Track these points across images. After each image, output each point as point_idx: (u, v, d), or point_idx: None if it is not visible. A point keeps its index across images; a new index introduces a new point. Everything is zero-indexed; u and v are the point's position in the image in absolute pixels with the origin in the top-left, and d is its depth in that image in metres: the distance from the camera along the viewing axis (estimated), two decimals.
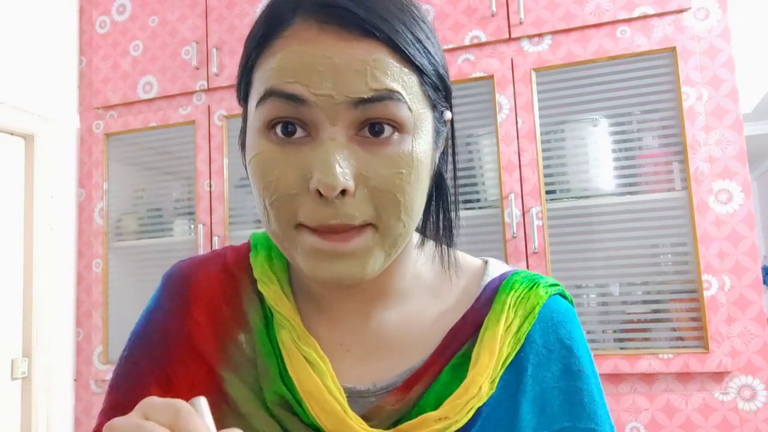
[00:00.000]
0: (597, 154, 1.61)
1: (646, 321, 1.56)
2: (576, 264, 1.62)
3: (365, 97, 0.41)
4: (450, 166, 0.53)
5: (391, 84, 0.41)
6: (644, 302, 1.58)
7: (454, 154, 0.53)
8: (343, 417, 0.46)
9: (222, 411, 0.50)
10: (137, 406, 0.36)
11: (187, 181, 2.07)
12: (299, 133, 0.42)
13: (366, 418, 0.48)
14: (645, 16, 1.57)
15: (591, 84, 1.63)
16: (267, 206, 0.44)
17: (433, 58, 0.45)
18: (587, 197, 1.60)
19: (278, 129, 0.43)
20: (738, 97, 1.50)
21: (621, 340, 1.57)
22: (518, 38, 1.68)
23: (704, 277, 1.44)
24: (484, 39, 1.70)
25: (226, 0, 1.99)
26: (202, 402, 0.37)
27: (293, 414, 0.48)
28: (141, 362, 0.54)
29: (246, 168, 0.47)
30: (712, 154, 1.50)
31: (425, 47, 0.44)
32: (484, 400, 0.47)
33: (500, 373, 0.48)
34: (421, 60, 0.43)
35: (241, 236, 1.88)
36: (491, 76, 1.66)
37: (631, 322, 1.57)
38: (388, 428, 0.47)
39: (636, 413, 1.48)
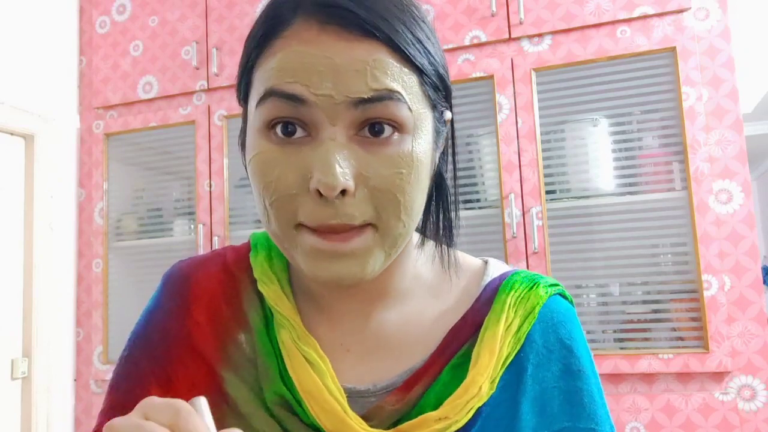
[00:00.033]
0: (597, 154, 1.61)
1: (646, 321, 1.56)
2: (576, 264, 1.62)
3: (365, 97, 0.41)
4: (450, 166, 0.53)
5: (391, 84, 0.41)
6: (644, 302, 1.58)
7: (454, 154, 0.53)
8: (343, 417, 0.46)
9: (222, 411, 0.50)
10: (137, 406, 0.36)
11: (187, 181, 2.07)
12: (299, 133, 0.42)
13: (366, 418, 0.48)
14: (645, 16, 1.57)
15: (591, 84, 1.63)
16: (267, 206, 0.44)
17: (433, 58, 0.45)
18: (587, 197, 1.60)
19: (278, 129, 0.43)
20: (738, 97, 1.50)
21: (621, 340, 1.57)
22: (518, 38, 1.68)
23: (704, 277, 1.44)
24: (484, 39, 1.70)
25: (226, 0, 1.99)
26: (202, 402, 0.37)
27: (293, 414, 0.48)
28: (141, 362, 0.54)
29: (246, 168, 0.47)
30: (712, 154, 1.50)
31: (425, 47, 0.44)
32: (484, 400, 0.47)
33: (500, 373, 0.48)
34: (422, 60, 0.43)
35: (241, 236, 1.88)
36: (491, 76, 1.66)
37: (631, 322, 1.57)
38: (388, 428, 0.47)
39: (636, 413, 1.48)
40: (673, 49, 1.52)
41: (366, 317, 0.52)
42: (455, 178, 0.53)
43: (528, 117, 1.61)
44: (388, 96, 0.41)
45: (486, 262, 0.56)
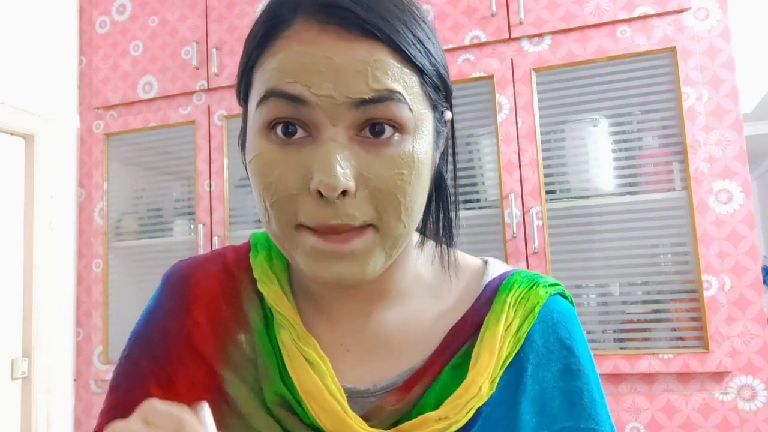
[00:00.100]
0: (597, 154, 1.61)
1: (646, 321, 1.56)
2: (576, 264, 1.62)
3: (366, 97, 0.41)
4: (450, 166, 0.53)
5: (392, 84, 0.41)
6: (644, 302, 1.58)
7: (454, 154, 0.53)
8: (343, 417, 0.46)
9: (222, 411, 0.50)
10: (138, 410, 0.35)
11: (187, 181, 2.07)
12: (300, 133, 0.42)
13: (366, 418, 0.48)
14: (645, 16, 1.57)
15: (591, 84, 1.63)
16: (267, 207, 0.44)
17: (434, 58, 0.45)
18: (587, 197, 1.60)
19: (279, 129, 0.43)
20: (738, 97, 1.50)
21: (621, 340, 1.57)
22: (518, 38, 1.68)
23: (704, 277, 1.44)
24: (484, 39, 1.70)
25: (226, 0, 1.99)
26: (205, 409, 0.36)
27: (293, 414, 0.48)
28: (141, 362, 0.54)
29: (246, 168, 0.47)
30: (712, 154, 1.50)
31: (426, 47, 0.44)
32: (484, 400, 0.47)
33: (500, 373, 0.48)
34: (422, 60, 0.43)
35: (241, 236, 1.88)
36: (491, 76, 1.66)
37: (631, 322, 1.57)
38: (388, 428, 0.47)
39: (636, 413, 1.48)
40: (673, 49, 1.52)
41: (366, 317, 0.52)
42: (455, 178, 0.53)
43: (528, 117, 1.61)
44: (389, 96, 0.41)
45: (486, 262, 0.56)
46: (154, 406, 0.35)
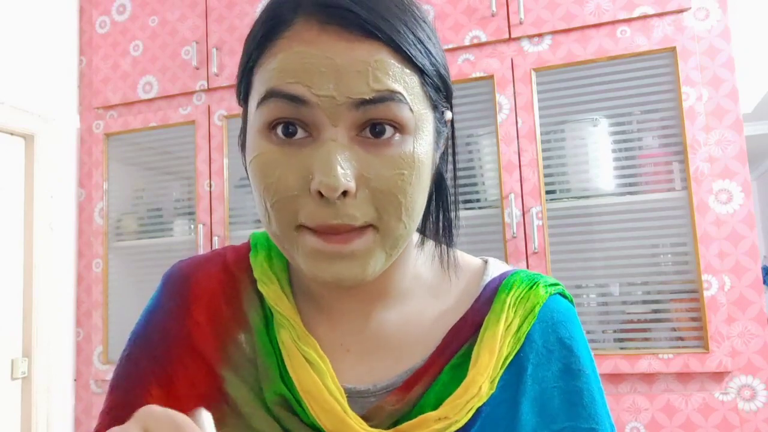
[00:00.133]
0: (597, 154, 1.61)
1: (646, 321, 1.56)
2: (576, 264, 1.62)
3: (367, 98, 0.40)
4: (450, 166, 0.53)
5: (393, 85, 0.41)
6: (644, 302, 1.58)
7: (454, 154, 0.53)
8: (343, 417, 0.46)
9: (222, 411, 0.50)
10: (136, 416, 0.34)
11: (187, 181, 2.07)
12: (300, 134, 0.42)
13: (366, 418, 0.48)
14: (645, 16, 1.57)
15: (591, 84, 1.63)
16: (268, 208, 0.44)
17: (435, 58, 0.45)
18: (587, 197, 1.60)
19: (279, 130, 0.42)
20: (738, 97, 1.50)
21: (621, 340, 1.57)
22: (518, 38, 1.68)
23: (704, 277, 1.44)
24: (484, 39, 1.70)
25: (226, 0, 1.99)
26: (204, 415, 0.36)
27: (293, 414, 0.48)
28: (141, 362, 0.54)
29: (246, 169, 0.47)
30: (712, 154, 1.50)
31: (426, 48, 0.44)
32: (484, 399, 0.47)
33: (500, 373, 0.48)
34: (423, 60, 0.43)
35: (241, 236, 1.88)
36: (491, 76, 1.66)
37: (631, 322, 1.57)
38: (388, 428, 0.47)
39: (636, 413, 1.48)
40: (673, 49, 1.52)
41: (366, 317, 0.52)
42: (455, 178, 0.53)
43: (528, 117, 1.61)
44: (390, 97, 0.41)
45: (486, 262, 0.56)
46: (152, 411, 0.34)
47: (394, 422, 0.48)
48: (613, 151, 1.62)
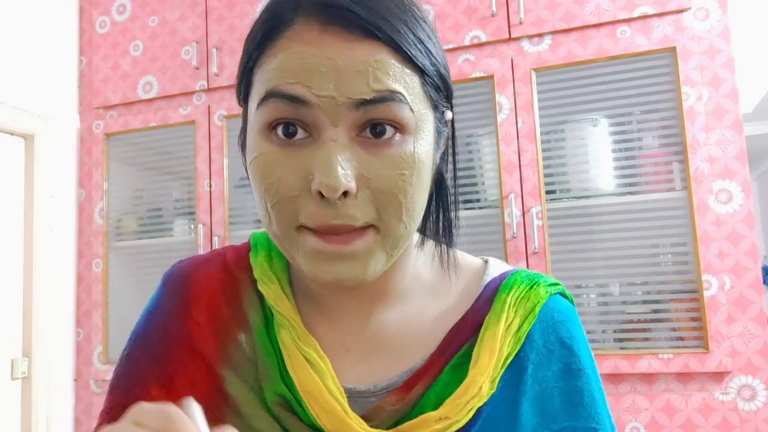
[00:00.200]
0: (597, 154, 1.61)
1: (646, 321, 1.56)
2: (576, 264, 1.62)
3: (367, 98, 0.40)
4: (450, 166, 0.53)
5: (393, 85, 0.41)
6: (644, 302, 1.58)
7: (454, 154, 0.53)
8: (343, 417, 0.46)
9: (222, 411, 0.50)
10: (128, 413, 0.35)
11: (187, 181, 2.07)
12: (300, 134, 0.42)
13: (366, 418, 0.48)
14: (645, 16, 1.57)
15: (591, 84, 1.63)
16: (268, 208, 0.44)
17: (435, 58, 0.45)
18: (587, 197, 1.60)
19: (279, 130, 0.42)
20: (738, 97, 1.50)
21: (621, 340, 1.57)
22: (518, 38, 1.68)
23: (704, 277, 1.44)
24: (484, 39, 1.70)
25: (226, 0, 1.99)
26: (192, 404, 0.36)
27: (293, 414, 0.48)
28: (141, 362, 0.54)
29: (246, 169, 0.47)
30: (712, 154, 1.50)
31: (427, 48, 0.44)
32: (485, 399, 0.47)
33: (500, 373, 0.48)
34: (423, 61, 0.43)
35: (241, 236, 1.88)
36: (491, 76, 1.66)
37: (631, 322, 1.57)
38: (389, 428, 0.47)
39: (636, 413, 1.48)
40: (673, 49, 1.52)
41: (366, 317, 0.52)
42: (455, 178, 0.53)
43: (528, 117, 1.61)
44: (390, 97, 0.41)
45: (486, 262, 0.56)
46: (142, 408, 0.35)
47: (394, 422, 0.48)
48: (613, 151, 1.62)
